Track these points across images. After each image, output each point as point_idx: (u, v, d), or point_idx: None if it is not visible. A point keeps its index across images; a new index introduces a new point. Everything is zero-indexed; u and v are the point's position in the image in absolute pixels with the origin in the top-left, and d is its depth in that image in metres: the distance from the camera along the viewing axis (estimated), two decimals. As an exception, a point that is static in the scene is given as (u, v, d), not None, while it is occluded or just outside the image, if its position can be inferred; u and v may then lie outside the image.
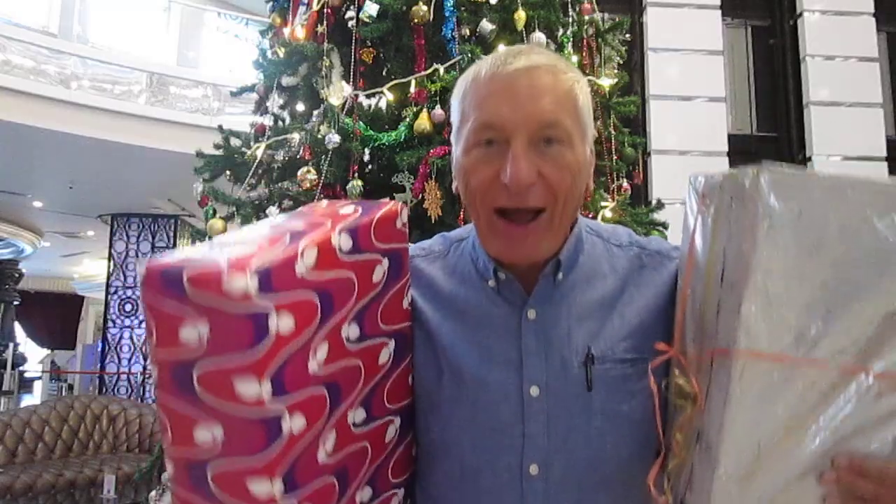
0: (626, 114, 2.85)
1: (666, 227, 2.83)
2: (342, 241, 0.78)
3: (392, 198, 2.11)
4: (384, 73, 2.45)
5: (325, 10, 2.40)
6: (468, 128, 0.84)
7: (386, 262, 0.86)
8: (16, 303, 14.43)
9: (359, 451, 0.83)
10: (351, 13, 2.36)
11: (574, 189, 0.83)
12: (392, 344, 0.88)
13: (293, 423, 0.69)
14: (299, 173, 2.22)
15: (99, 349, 9.96)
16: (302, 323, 0.71)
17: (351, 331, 0.80)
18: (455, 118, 0.89)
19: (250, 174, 2.48)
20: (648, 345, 0.85)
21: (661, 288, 0.90)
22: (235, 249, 0.68)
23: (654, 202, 3.10)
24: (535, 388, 0.86)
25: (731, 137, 6.43)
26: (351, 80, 2.32)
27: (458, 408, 0.88)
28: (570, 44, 2.56)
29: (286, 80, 2.51)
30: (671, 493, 0.80)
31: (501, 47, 2.25)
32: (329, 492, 0.77)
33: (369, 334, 0.84)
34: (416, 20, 2.25)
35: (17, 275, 14.12)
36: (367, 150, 2.20)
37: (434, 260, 0.98)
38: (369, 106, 2.34)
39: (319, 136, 2.20)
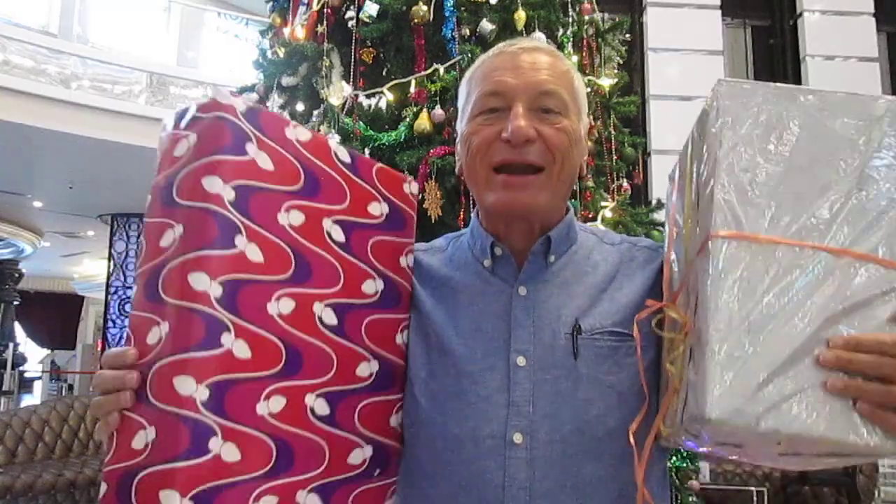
0: (626, 114, 2.85)
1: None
2: (339, 152, 0.85)
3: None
4: (384, 73, 2.45)
5: (325, 10, 2.40)
6: (474, 98, 0.91)
7: (385, 205, 0.90)
8: (16, 303, 14.43)
9: (311, 443, 0.79)
10: (351, 13, 2.36)
11: (571, 153, 0.88)
12: (381, 283, 0.89)
13: (236, 348, 0.71)
14: (299, 173, 2.21)
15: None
16: (281, 181, 0.78)
17: (335, 232, 0.83)
18: (461, 99, 0.96)
19: (250, 174, 2.47)
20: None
21: (652, 277, 0.93)
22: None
23: (654, 202, 3.09)
24: (521, 357, 0.87)
25: (731, 137, 6.42)
26: (351, 80, 2.32)
27: (445, 379, 0.89)
28: (570, 44, 2.56)
29: (286, 80, 2.51)
30: (667, 428, 0.78)
31: (501, 47, 2.25)
32: (261, 450, 0.73)
33: (356, 253, 0.86)
34: (416, 20, 2.25)
35: (17, 275, 14.11)
36: (367, 150, 2.20)
37: (434, 253, 1.02)
38: (369, 106, 2.34)
39: (319, 136, 2.20)
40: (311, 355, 0.79)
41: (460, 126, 0.95)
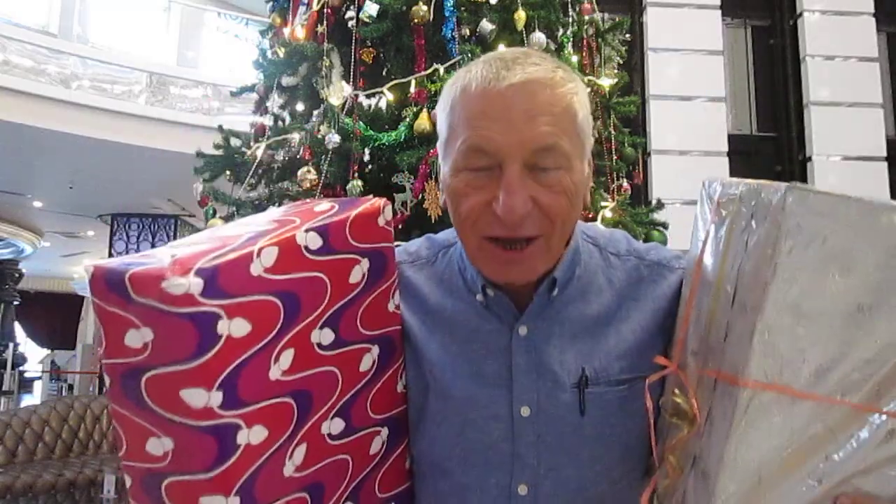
0: (626, 114, 2.85)
1: (666, 227, 2.83)
2: (309, 240, 0.73)
3: (392, 198, 2.11)
4: (384, 73, 2.45)
5: (325, 10, 2.40)
6: (457, 147, 0.77)
7: (366, 262, 0.80)
8: (16, 303, 14.43)
9: (337, 463, 0.79)
10: (351, 13, 2.36)
11: (571, 212, 0.79)
12: (376, 350, 0.83)
13: (251, 436, 0.66)
14: (299, 173, 2.22)
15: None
16: (260, 327, 0.66)
17: (323, 336, 0.75)
18: (442, 130, 0.82)
19: (250, 174, 2.48)
20: (645, 363, 0.81)
21: (660, 303, 0.87)
22: (188, 249, 0.64)
23: (654, 202, 3.10)
24: (525, 408, 0.83)
25: (730, 137, 6.43)
26: (351, 80, 2.32)
27: (446, 425, 0.86)
28: (570, 44, 2.56)
29: (286, 80, 2.51)
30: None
31: (501, 47, 2.25)
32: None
33: (347, 339, 0.79)
34: (416, 20, 2.25)
35: (17, 275, 14.12)
36: (367, 150, 2.20)
37: (421, 268, 0.93)
38: (369, 106, 2.34)
39: (319, 136, 2.20)
40: (318, 385, 0.77)
41: (443, 165, 0.82)
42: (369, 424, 0.84)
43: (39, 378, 14.52)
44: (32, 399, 12.79)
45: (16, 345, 13.64)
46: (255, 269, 0.67)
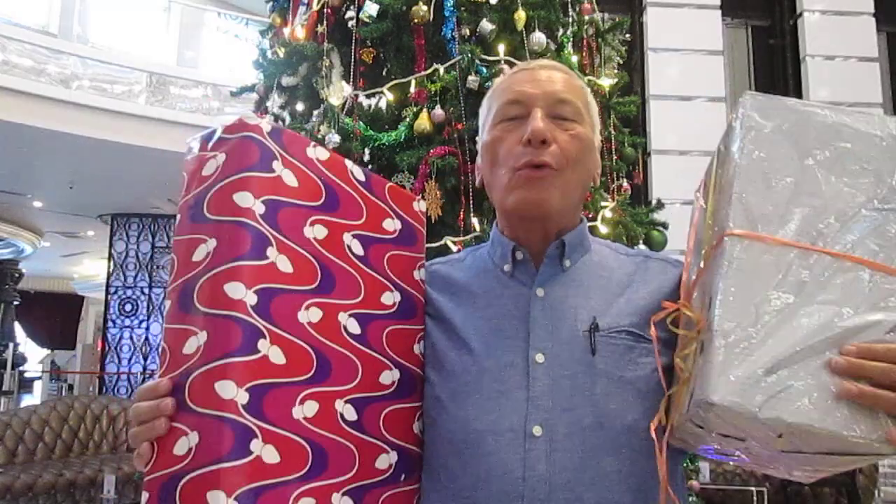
0: (626, 114, 2.85)
1: (666, 227, 2.83)
2: (356, 171, 0.91)
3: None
4: (384, 73, 2.45)
5: (325, 10, 2.40)
6: (495, 109, 0.97)
7: (398, 223, 0.96)
8: (16, 303, 14.43)
9: (343, 448, 0.81)
10: (351, 13, 2.36)
11: (584, 159, 0.94)
12: (398, 295, 0.93)
13: (272, 353, 0.74)
14: (299, 173, 2.21)
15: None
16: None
17: (354, 245, 0.88)
18: (483, 114, 1.02)
19: (250, 174, 2.47)
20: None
21: (667, 285, 0.96)
22: None
23: (654, 202, 3.09)
24: (540, 354, 0.90)
25: (731, 137, 6.43)
26: (351, 80, 2.32)
27: (465, 376, 0.92)
28: (570, 44, 2.56)
29: (286, 80, 2.51)
30: (676, 419, 0.79)
31: (501, 47, 2.25)
32: (298, 453, 0.75)
33: (374, 267, 0.90)
34: (416, 20, 2.25)
35: (17, 275, 14.11)
36: (367, 150, 2.20)
37: (453, 264, 1.07)
38: (369, 106, 2.34)
39: (319, 136, 2.20)
40: (339, 363, 0.82)
41: (481, 138, 1.00)
42: (379, 437, 0.86)
43: (39, 378, 14.54)
44: (32, 399, 12.81)
45: (16, 345, 13.63)
46: (311, 151, 0.84)
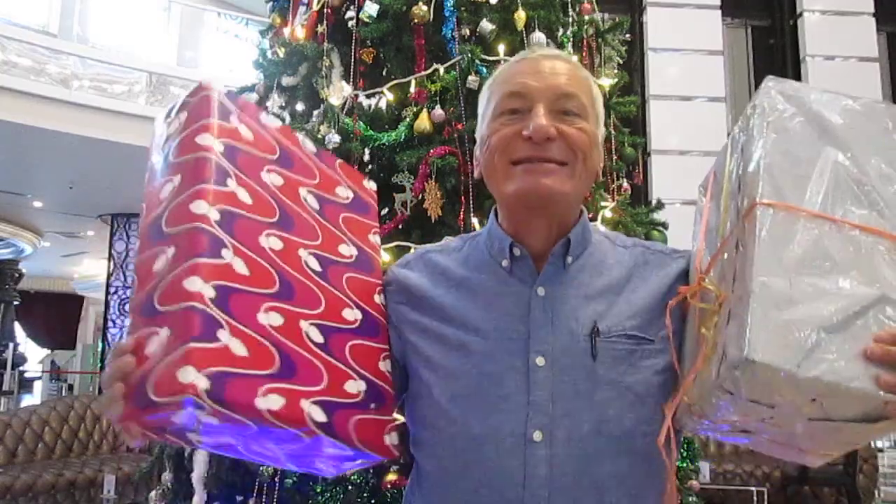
0: (626, 114, 2.84)
1: (666, 227, 2.83)
2: (307, 143, 0.98)
3: (392, 198, 2.11)
4: (384, 73, 2.45)
5: (325, 10, 2.40)
6: (495, 101, 0.94)
7: (350, 192, 1.00)
8: (16, 303, 14.42)
9: (311, 364, 0.81)
10: (351, 13, 2.35)
11: (591, 153, 0.91)
12: (354, 249, 0.96)
13: (236, 263, 0.78)
14: (299, 173, 2.21)
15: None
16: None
17: (310, 201, 0.92)
18: (482, 104, 0.98)
19: (250, 174, 2.47)
20: (654, 329, 0.90)
21: (666, 280, 0.94)
22: None
23: (654, 202, 3.09)
24: (540, 358, 0.88)
25: (731, 137, 6.43)
26: (351, 80, 2.32)
27: (465, 379, 0.90)
28: (570, 44, 2.56)
29: (286, 80, 2.50)
30: (695, 392, 0.80)
31: (501, 47, 2.25)
32: (266, 354, 0.76)
33: (329, 219, 0.94)
34: (416, 20, 2.25)
35: (17, 275, 14.11)
36: (367, 150, 2.20)
37: (449, 253, 1.02)
38: (369, 106, 2.34)
39: (319, 136, 2.20)
40: (302, 289, 0.85)
41: (480, 129, 0.96)
42: (346, 364, 0.87)
43: (39, 378, 14.52)
44: (32, 399, 12.79)
45: (16, 345, 13.63)
46: (263, 117, 0.93)
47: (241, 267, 0.78)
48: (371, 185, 1.06)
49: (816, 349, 0.67)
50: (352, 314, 0.91)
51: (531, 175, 0.88)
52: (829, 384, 0.66)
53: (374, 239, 1.01)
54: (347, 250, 0.95)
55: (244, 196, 0.82)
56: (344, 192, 0.99)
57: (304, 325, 0.82)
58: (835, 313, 0.68)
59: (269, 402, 0.73)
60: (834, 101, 0.81)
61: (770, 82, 0.82)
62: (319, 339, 0.84)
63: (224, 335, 0.72)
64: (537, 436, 0.85)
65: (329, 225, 0.94)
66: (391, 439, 0.89)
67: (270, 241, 0.83)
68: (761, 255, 0.71)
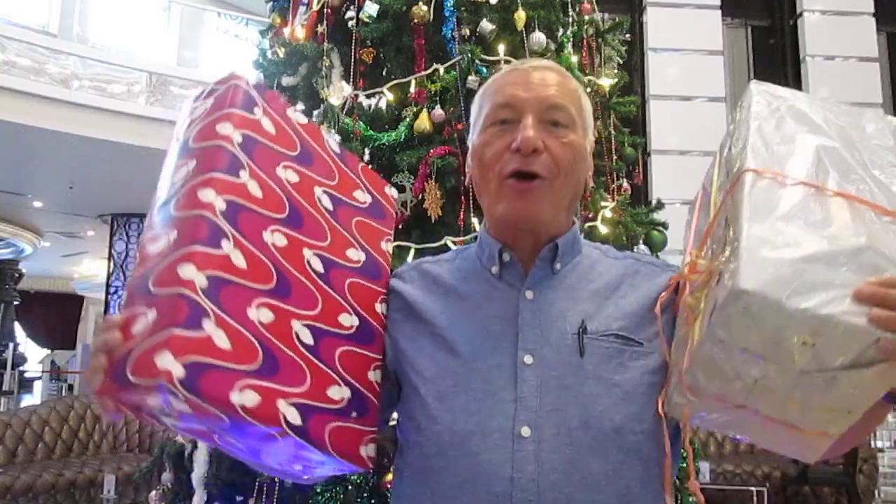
0: (626, 114, 2.84)
1: (666, 227, 2.82)
2: (331, 142, 0.98)
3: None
4: (384, 73, 2.45)
5: (325, 10, 2.40)
6: (486, 111, 0.96)
7: (369, 196, 1.00)
8: (16, 303, 14.42)
9: (296, 365, 0.81)
10: (351, 13, 2.35)
11: (575, 167, 0.93)
12: (362, 254, 0.96)
13: (234, 255, 0.78)
14: (299, 173, 2.21)
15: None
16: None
17: (324, 199, 0.93)
18: (474, 113, 1.01)
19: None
20: (643, 333, 0.91)
21: (655, 288, 0.95)
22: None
23: (654, 202, 3.09)
24: (528, 356, 0.89)
25: (731, 137, 6.43)
26: (351, 80, 2.32)
27: (453, 377, 0.91)
28: (570, 44, 2.56)
29: (286, 80, 2.50)
30: (685, 358, 0.80)
31: (501, 47, 2.25)
32: (249, 349, 0.76)
33: (343, 222, 0.94)
34: (416, 20, 2.25)
35: (17, 275, 14.11)
36: (367, 150, 2.20)
37: (442, 264, 1.05)
38: (369, 106, 2.34)
39: (319, 136, 2.20)
40: (299, 288, 0.85)
41: (472, 138, 0.99)
42: (333, 368, 0.87)
43: (39, 378, 14.52)
44: (32, 399, 12.79)
45: (16, 345, 13.63)
46: (291, 112, 0.94)
47: (238, 259, 0.78)
48: (392, 192, 1.06)
49: (808, 284, 0.68)
50: (349, 320, 0.91)
51: (517, 200, 0.91)
52: (821, 318, 0.67)
53: (386, 247, 1.01)
54: (355, 255, 0.95)
55: (255, 189, 0.83)
56: (362, 196, 1.00)
57: (295, 324, 0.83)
58: (824, 256, 0.70)
59: (244, 397, 0.74)
60: (814, 101, 0.85)
61: (753, 85, 0.86)
62: (309, 340, 0.84)
63: (209, 325, 0.73)
64: (525, 431, 0.85)
65: (340, 227, 0.94)
66: (367, 451, 0.88)
67: (275, 238, 0.83)
68: (750, 208, 0.74)
